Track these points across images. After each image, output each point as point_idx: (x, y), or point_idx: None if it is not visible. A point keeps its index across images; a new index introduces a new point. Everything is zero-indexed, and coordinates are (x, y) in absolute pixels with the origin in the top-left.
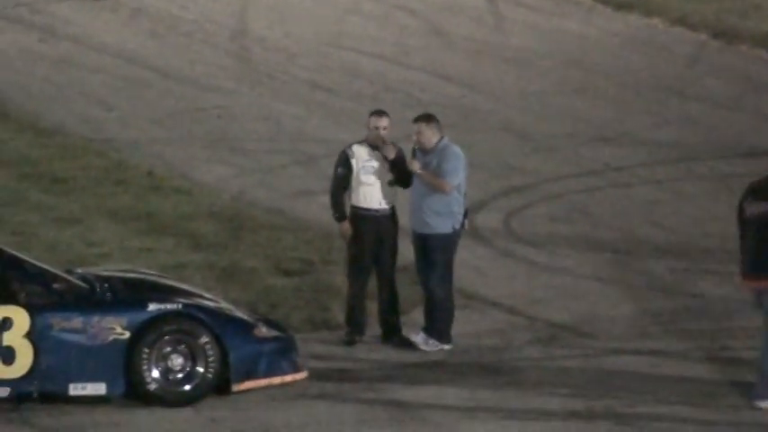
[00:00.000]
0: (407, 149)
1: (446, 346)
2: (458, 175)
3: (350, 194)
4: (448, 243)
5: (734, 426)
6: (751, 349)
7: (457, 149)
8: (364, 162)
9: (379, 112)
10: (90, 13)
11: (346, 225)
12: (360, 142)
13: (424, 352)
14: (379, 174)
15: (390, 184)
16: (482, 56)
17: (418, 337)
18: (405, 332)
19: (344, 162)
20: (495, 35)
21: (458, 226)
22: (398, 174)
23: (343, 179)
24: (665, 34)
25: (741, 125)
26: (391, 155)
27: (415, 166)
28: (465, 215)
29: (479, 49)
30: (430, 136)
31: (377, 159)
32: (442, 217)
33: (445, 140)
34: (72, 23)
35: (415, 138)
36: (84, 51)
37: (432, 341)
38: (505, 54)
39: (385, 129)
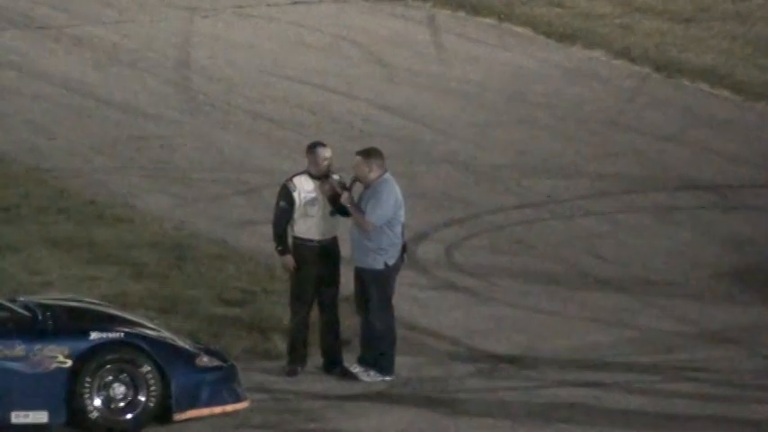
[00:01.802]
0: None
1: (387, 378)
2: (382, 214)
3: (292, 225)
4: (381, 279)
5: None
6: (691, 381)
7: (391, 187)
8: (306, 194)
9: (322, 144)
10: (32, 41)
11: (290, 258)
12: (301, 173)
13: (366, 383)
14: (320, 205)
15: (332, 213)
16: (425, 88)
17: (358, 368)
18: (346, 363)
19: (286, 196)
20: (438, 67)
21: (391, 262)
22: (336, 204)
23: (285, 212)
24: (608, 67)
25: (683, 158)
26: (347, 202)
27: (345, 198)
28: (404, 250)
29: (422, 80)
30: (366, 171)
31: (318, 191)
32: (372, 253)
33: (385, 176)
34: (14, 52)
35: (354, 170)
36: (26, 80)
37: (372, 372)
38: (448, 86)
39: (329, 159)
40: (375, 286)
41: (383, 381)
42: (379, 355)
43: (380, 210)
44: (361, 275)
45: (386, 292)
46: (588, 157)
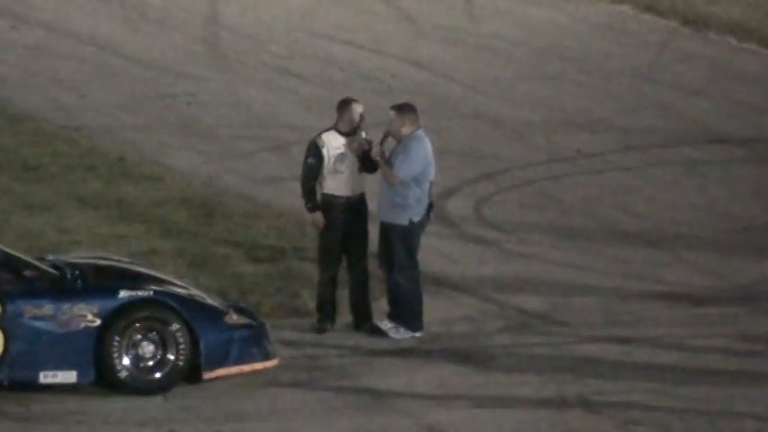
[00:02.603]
0: (377, 136)
1: (417, 334)
2: (409, 169)
3: (320, 182)
4: (406, 235)
5: (704, 414)
6: (721, 337)
7: (423, 144)
8: (335, 150)
9: (355, 100)
10: (61, 0)
11: (319, 215)
12: (329, 130)
13: (395, 339)
14: (349, 161)
15: (360, 170)
16: (454, 43)
17: (387, 325)
18: (375, 320)
19: (315, 152)
20: (467, 22)
21: (416, 219)
22: (364, 160)
23: (313, 169)
24: (635, 21)
25: (710, 112)
26: (376, 156)
27: (376, 151)
28: (430, 208)
29: (451, 36)
30: (399, 126)
31: (346, 147)
32: (398, 209)
33: (417, 133)
34: (44, 10)
35: (388, 125)
36: (55, 38)
37: (402, 329)
38: (477, 41)
39: (363, 115)
40: (400, 242)
41: (412, 337)
42: (407, 311)
43: (408, 164)
44: (387, 231)
45: (411, 249)
46: (616, 111)
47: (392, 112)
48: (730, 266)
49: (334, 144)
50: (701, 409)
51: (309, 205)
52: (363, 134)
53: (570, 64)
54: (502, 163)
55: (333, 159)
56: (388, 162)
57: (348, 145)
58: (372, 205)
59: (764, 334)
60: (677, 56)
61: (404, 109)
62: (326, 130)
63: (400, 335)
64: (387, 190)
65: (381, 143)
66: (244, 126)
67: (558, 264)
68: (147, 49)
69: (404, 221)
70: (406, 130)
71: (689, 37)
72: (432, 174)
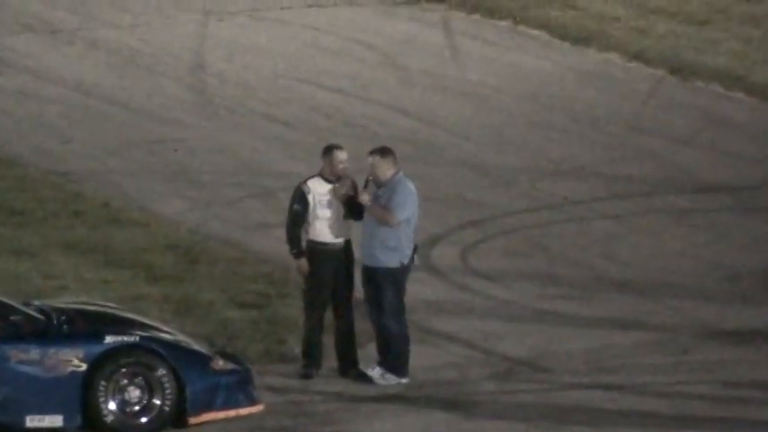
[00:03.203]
0: (361, 182)
1: (403, 380)
2: (405, 209)
3: (306, 228)
4: (396, 277)
5: None
6: (707, 384)
7: (409, 184)
8: (321, 197)
9: (339, 146)
10: (47, 45)
11: (304, 261)
12: (315, 176)
13: (381, 386)
14: (334, 207)
15: (345, 217)
16: (439, 90)
17: (374, 372)
18: (361, 365)
19: (300, 198)
20: (453, 69)
21: (406, 261)
22: (350, 206)
23: (298, 215)
24: (623, 70)
25: (697, 160)
26: (366, 201)
27: (365, 198)
28: (414, 250)
29: (437, 83)
30: (385, 169)
31: (332, 193)
32: (391, 251)
33: (400, 175)
34: (29, 56)
35: (369, 170)
36: (41, 84)
37: (389, 375)
38: (463, 88)
39: (346, 162)
40: (390, 286)
41: (399, 383)
42: (395, 355)
43: (404, 204)
44: (375, 276)
45: (400, 293)
46: (603, 159)
47: (374, 157)
48: (717, 314)
49: (319, 190)
50: None
51: (294, 251)
52: (350, 180)
53: (557, 112)
54: (488, 210)
55: (318, 205)
56: (381, 205)
57: (334, 192)
58: (359, 252)
59: (749, 381)
60: (664, 104)
61: (385, 152)
62: (312, 177)
63: (386, 380)
64: (375, 234)
65: (366, 187)
66: (230, 172)
67: (544, 311)
68: (134, 95)
69: (395, 264)
70: (390, 173)
71: (676, 85)
72: (416, 215)
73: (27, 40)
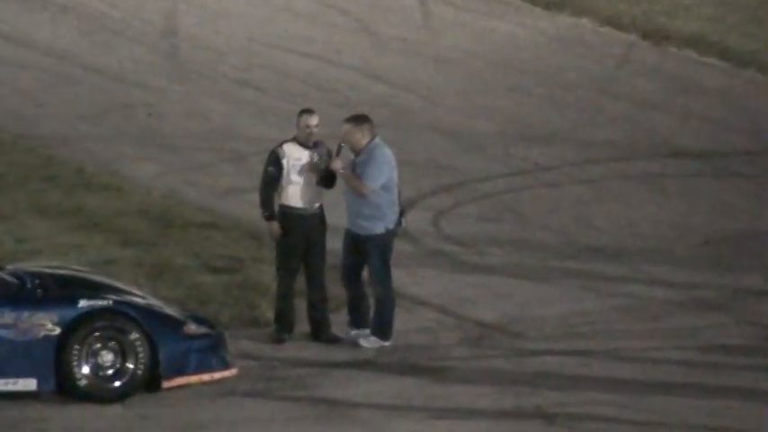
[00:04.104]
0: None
1: (386, 343)
2: (379, 178)
3: (279, 193)
4: (382, 243)
5: (663, 426)
6: (679, 349)
7: (385, 151)
8: (294, 161)
9: (309, 111)
10: (19, 10)
11: (276, 224)
12: (290, 141)
13: (354, 350)
14: (307, 173)
15: (317, 184)
16: (412, 55)
17: (354, 334)
18: (334, 330)
19: (275, 161)
20: (425, 34)
21: (391, 226)
22: (323, 176)
23: (272, 178)
24: (595, 34)
25: (670, 125)
26: (339, 168)
27: (338, 164)
28: (401, 214)
29: (409, 48)
30: (359, 138)
31: (306, 159)
32: (373, 219)
33: (376, 141)
34: (1, 21)
35: (341, 136)
36: (12, 48)
37: (373, 338)
38: (435, 53)
39: (316, 126)
40: (376, 252)
41: (382, 346)
42: (381, 319)
43: (377, 173)
44: (362, 243)
45: (386, 258)
46: (576, 124)
47: (348, 125)
48: (689, 279)
49: (294, 155)
50: (660, 422)
51: (266, 214)
52: (324, 149)
53: (529, 76)
54: (460, 175)
55: (292, 170)
56: (354, 174)
57: (309, 158)
58: (331, 218)
59: (722, 346)
60: (637, 69)
61: (361, 119)
62: (287, 141)
63: (371, 343)
64: (356, 203)
65: (337, 154)
66: (202, 137)
67: (516, 276)
68: (106, 60)
69: (379, 230)
70: (365, 141)
71: (648, 50)
72: (396, 178)
73: None
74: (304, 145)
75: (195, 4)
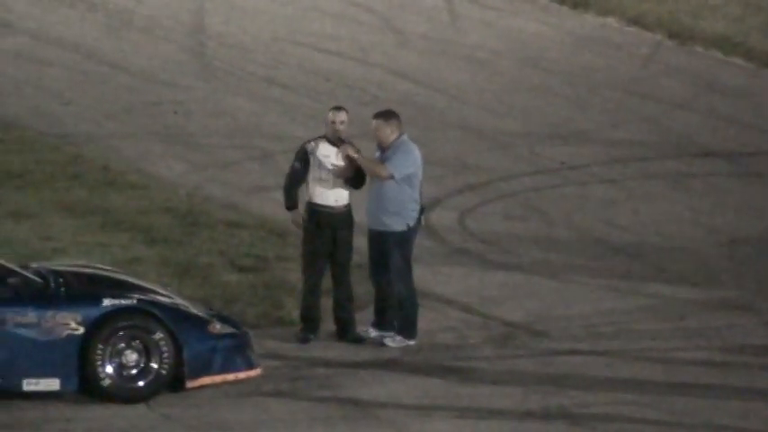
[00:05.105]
0: (368, 149)
1: (411, 342)
2: (402, 167)
3: (306, 190)
4: (403, 241)
5: (687, 427)
6: (703, 349)
7: (412, 146)
8: (323, 158)
9: (338, 108)
10: (47, 7)
11: (297, 213)
12: (320, 137)
13: (379, 350)
14: (336, 171)
15: (346, 182)
16: (438, 53)
17: (378, 334)
18: (359, 329)
19: (302, 157)
20: (452, 33)
21: (412, 223)
22: (353, 174)
23: (298, 173)
24: (621, 34)
25: (696, 125)
26: (353, 153)
27: (350, 150)
28: (421, 212)
29: (436, 46)
30: (388, 133)
31: (336, 156)
32: (395, 215)
33: (403, 137)
34: (29, 18)
35: (372, 133)
36: (40, 45)
37: (398, 337)
38: (462, 52)
39: (342, 123)
40: (397, 249)
41: (407, 346)
42: (404, 318)
43: (402, 164)
44: (382, 240)
45: (407, 255)
46: (602, 123)
47: (378, 121)
48: (714, 279)
49: (323, 152)
50: (684, 422)
51: (288, 204)
52: (352, 145)
53: (555, 76)
54: (486, 174)
55: (319, 167)
56: (372, 160)
57: (338, 155)
58: (358, 216)
59: (746, 347)
60: (662, 69)
61: (388, 116)
62: (318, 138)
63: (396, 343)
64: (380, 198)
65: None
66: (229, 135)
67: (542, 275)
68: (133, 58)
69: (400, 227)
70: (393, 137)
71: (674, 50)
72: (421, 176)
73: (27, 1)
74: (332, 142)
75: (222, 3)
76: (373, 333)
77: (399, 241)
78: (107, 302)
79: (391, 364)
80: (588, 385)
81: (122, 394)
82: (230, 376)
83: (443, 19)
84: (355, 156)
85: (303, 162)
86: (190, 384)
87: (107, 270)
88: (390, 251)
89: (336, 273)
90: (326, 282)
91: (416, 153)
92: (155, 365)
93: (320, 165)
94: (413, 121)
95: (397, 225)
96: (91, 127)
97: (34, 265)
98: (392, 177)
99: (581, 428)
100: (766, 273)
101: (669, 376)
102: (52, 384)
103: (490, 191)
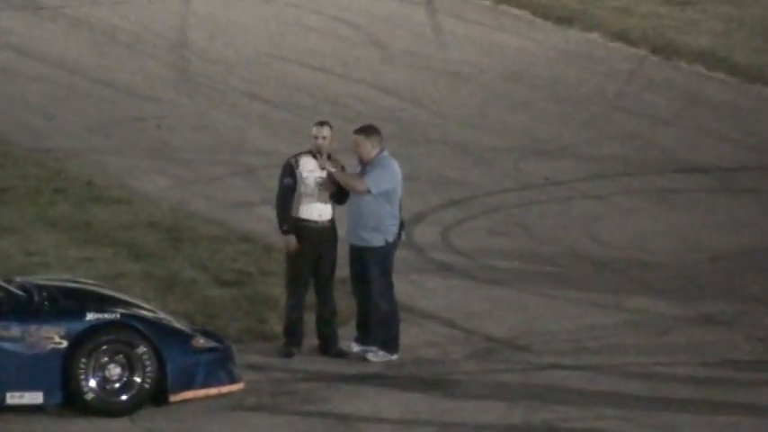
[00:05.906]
0: (351, 164)
1: (394, 357)
2: (381, 183)
3: (291, 205)
4: (382, 256)
5: None
6: (687, 365)
7: (392, 162)
8: (308, 173)
9: (321, 123)
10: (31, 22)
11: (292, 238)
12: (304, 153)
13: (362, 364)
14: (320, 185)
15: (331, 196)
16: (422, 69)
17: (361, 349)
18: (345, 344)
19: (289, 172)
20: (435, 48)
21: (391, 239)
22: (335, 188)
23: (288, 189)
24: (605, 49)
25: (679, 140)
26: (330, 167)
27: (327, 165)
28: (401, 227)
29: (419, 62)
30: (369, 149)
31: (320, 171)
32: (374, 231)
33: (384, 154)
34: (12, 33)
35: (352, 148)
36: (23, 60)
37: (381, 352)
38: (445, 67)
39: (324, 138)
40: (375, 264)
41: (389, 360)
42: (386, 332)
43: (381, 179)
44: (362, 255)
45: (387, 270)
46: (585, 139)
47: (359, 136)
48: (697, 294)
49: (308, 167)
50: None
51: (284, 228)
52: (333, 160)
53: (539, 91)
54: (469, 189)
55: (304, 182)
56: (349, 174)
57: (320, 168)
58: (341, 231)
59: (729, 362)
60: (646, 84)
61: (369, 131)
62: (302, 153)
63: (379, 357)
64: (360, 214)
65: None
66: (212, 150)
67: (525, 291)
68: (117, 73)
69: (379, 242)
70: (374, 152)
71: (658, 65)
72: (400, 192)
73: (10, 16)
74: (316, 157)
75: (205, 18)
76: (356, 348)
77: (379, 257)
78: (91, 317)
79: (374, 379)
80: (571, 400)
81: (105, 408)
82: (213, 390)
83: (427, 34)
84: (332, 170)
85: (291, 177)
86: (173, 398)
87: (91, 284)
88: (370, 266)
89: (320, 288)
90: (310, 296)
91: (396, 169)
92: (138, 379)
93: (304, 180)
94: (396, 136)
95: (377, 240)
96: (75, 142)
97: (18, 279)
98: (368, 191)
99: None
100: (749, 288)
101: (652, 391)
102: (36, 398)
103: (474, 206)
